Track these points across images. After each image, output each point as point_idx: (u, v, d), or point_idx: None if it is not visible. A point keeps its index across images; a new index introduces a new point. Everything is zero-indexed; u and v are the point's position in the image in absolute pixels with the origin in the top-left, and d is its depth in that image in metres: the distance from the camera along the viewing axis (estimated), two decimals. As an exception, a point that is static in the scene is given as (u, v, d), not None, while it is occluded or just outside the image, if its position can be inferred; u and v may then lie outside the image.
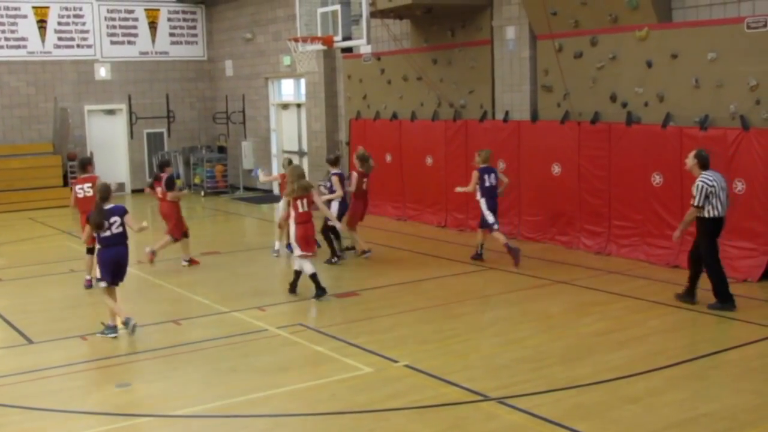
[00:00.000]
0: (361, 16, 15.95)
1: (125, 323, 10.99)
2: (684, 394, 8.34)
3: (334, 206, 15.08)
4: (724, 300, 11.39)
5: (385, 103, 20.54)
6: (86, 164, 14.57)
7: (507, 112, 17.31)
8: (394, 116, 20.19)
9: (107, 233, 10.95)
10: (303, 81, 24.27)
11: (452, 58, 18.58)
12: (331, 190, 15.25)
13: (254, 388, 8.92)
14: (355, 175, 15.70)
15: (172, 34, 28.48)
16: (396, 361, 9.57)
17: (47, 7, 26.29)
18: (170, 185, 15.35)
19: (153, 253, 15.22)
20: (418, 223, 19.30)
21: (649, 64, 14.48)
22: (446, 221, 18.67)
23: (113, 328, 10.98)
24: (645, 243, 14.54)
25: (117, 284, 11.29)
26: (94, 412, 8.39)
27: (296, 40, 17.02)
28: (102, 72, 27.30)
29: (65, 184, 25.52)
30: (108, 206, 11.07)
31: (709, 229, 11.40)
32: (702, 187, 11.19)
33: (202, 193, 26.37)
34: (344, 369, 9.42)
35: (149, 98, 27.93)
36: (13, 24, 25.85)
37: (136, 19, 27.79)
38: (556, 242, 16.04)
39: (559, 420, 7.68)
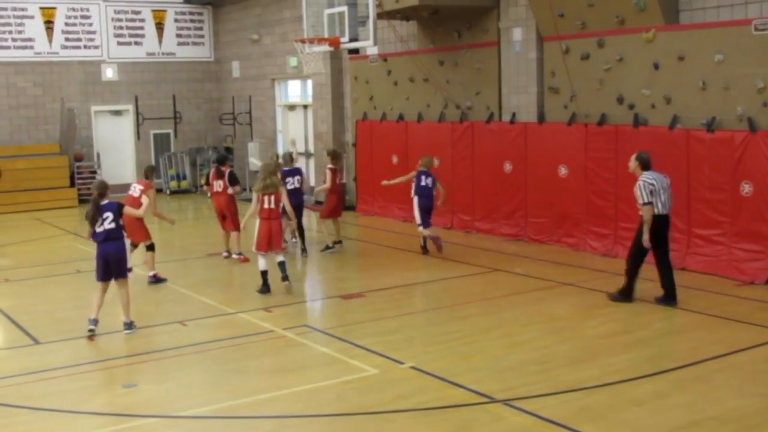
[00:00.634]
0: (367, 17, 15.95)
1: (91, 321, 11.06)
2: (690, 397, 8.32)
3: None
4: (626, 294, 12.01)
5: (392, 104, 20.54)
6: (148, 172, 15.11)
7: (514, 114, 17.29)
8: (401, 118, 20.19)
9: (100, 229, 11.05)
10: (309, 82, 24.29)
11: (459, 60, 18.57)
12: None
13: (260, 389, 8.93)
14: (328, 171, 16.50)
15: (179, 35, 28.52)
16: (402, 363, 9.57)
17: (54, 8, 26.35)
18: (234, 180, 15.96)
19: (240, 255, 15.69)
20: (425, 224, 19.28)
21: (656, 66, 14.46)
22: (452, 223, 18.66)
23: (93, 321, 11.08)
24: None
25: (114, 279, 11.26)
26: (100, 412, 8.40)
27: (303, 41, 17.02)
28: (109, 73, 27.35)
29: (72, 184, 25.60)
30: (103, 202, 11.13)
31: (652, 226, 11.75)
32: (644, 185, 11.67)
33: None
34: (350, 370, 9.42)
35: (156, 99, 27.96)
36: (20, 25, 25.91)
37: (143, 20, 27.84)
38: (563, 244, 16.02)
39: (565, 422, 7.67)
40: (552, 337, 10.56)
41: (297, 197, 15.77)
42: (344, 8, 16.18)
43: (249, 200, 15.01)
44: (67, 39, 26.62)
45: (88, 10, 26.91)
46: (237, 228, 15.60)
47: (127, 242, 11.81)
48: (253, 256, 15.55)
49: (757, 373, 9.08)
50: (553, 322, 11.34)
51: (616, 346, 10.09)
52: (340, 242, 16.80)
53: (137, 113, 27.22)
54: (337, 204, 16.63)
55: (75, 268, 15.67)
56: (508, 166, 17.16)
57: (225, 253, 15.96)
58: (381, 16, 17.48)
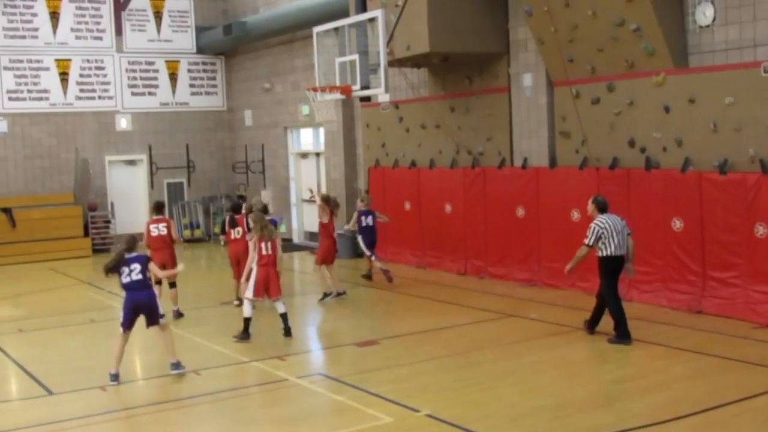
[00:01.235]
0: (378, 65, 16.05)
1: (111, 376, 11.12)
2: (709, 442, 8.23)
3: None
4: (622, 335, 12.12)
5: (404, 150, 20.60)
6: (161, 207, 15.90)
7: (525, 159, 17.33)
8: (413, 164, 20.24)
9: (127, 279, 11.24)
10: (322, 130, 24.42)
11: (470, 106, 18.65)
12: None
13: (274, 438, 8.88)
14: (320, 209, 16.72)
15: (192, 85, 28.79)
16: (417, 411, 9.50)
17: (69, 60, 26.66)
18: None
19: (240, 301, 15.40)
20: (438, 270, 19.25)
21: (667, 109, 14.48)
22: (466, 268, 18.62)
23: (177, 364, 11.41)
24: (666, 288, 14.44)
25: (149, 326, 11.60)
26: (113, 463, 8.36)
27: (315, 89, 17.13)
28: (123, 123, 27.59)
29: (86, 234, 25.68)
30: (131, 255, 11.34)
31: (606, 267, 12.32)
32: (594, 228, 12.24)
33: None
34: (365, 419, 9.36)
35: (169, 148, 28.14)
36: (35, 76, 26.20)
37: (156, 71, 28.12)
38: (577, 288, 15.94)
39: (582, 469, 7.59)
40: (567, 383, 10.48)
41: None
42: (355, 56, 16.30)
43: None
44: (81, 90, 26.90)
45: (102, 61, 27.21)
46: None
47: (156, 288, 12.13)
48: (224, 308, 15.66)
49: (776, 417, 8.99)
50: (569, 367, 11.26)
51: (633, 391, 10.01)
52: (343, 292, 16.57)
53: (151, 162, 27.38)
54: (328, 248, 16.52)
55: (89, 318, 15.68)
56: (520, 211, 17.15)
57: (237, 302, 15.94)
58: (392, 63, 17.59)
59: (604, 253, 12.26)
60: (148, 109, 28.02)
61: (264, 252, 13.22)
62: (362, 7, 18.60)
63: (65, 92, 26.65)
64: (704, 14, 14.04)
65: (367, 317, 15.23)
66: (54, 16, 26.46)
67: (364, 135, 22.18)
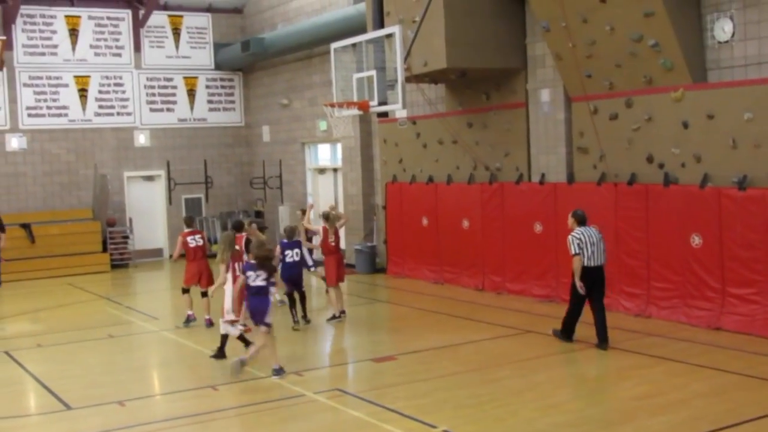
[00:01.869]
0: (396, 81, 16.07)
1: (241, 360, 12.01)
2: (729, 460, 8.17)
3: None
4: (566, 333, 13.29)
5: (421, 166, 20.61)
6: (192, 220, 16.91)
7: (543, 175, 17.30)
8: (430, 180, 20.24)
9: (253, 283, 11.97)
10: (339, 145, 24.46)
11: (487, 121, 18.65)
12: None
13: (291, 454, 8.87)
14: (320, 230, 16.29)
15: (210, 101, 28.91)
16: (434, 427, 9.47)
17: (88, 77, 26.82)
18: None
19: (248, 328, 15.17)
20: (456, 286, 19.22)
21: (686, 125, 14.44)
22: (483, 284, 18.58)
23: (279, 370, 11.90)
24: (685, 305, 14.37)
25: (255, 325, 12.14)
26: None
27: (332, 105, 17.17)
28: (141, 139, 27.72)
29: (104, 249, 25.78)
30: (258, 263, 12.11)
31: (583, 275, 12.91)
32: (572, 239, 12.93)
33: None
34: (382, 435, 9.34)
35: (187, 164, 28.25)
36: (55, 93, 26.38)
37: (175, 87, 28.27)
38: (595, 304, 15.89)
39: (600, 487, 7.55)
40: (585, 400, 10.43)
41: (295, 269, 15.87)
42: (373, 72, 16.33)
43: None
44: (100, 106, 27.05)
45: (121, 78, 27.38)
46: None
47: (272, 297, 12.34)
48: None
49: (797, 434, 8.91)
50: (586, 383, 11.21)
51: (651, 408, 9.94)
52: (343, 312, 16.17)
53: (169, 178, 27.48)
54: (333, 267, 16.04)
55: (107, 333, 15.73)
56: (538, 227, 17.12)
57: (242, 326, 15.43)
58: (409, 79, 17.62)
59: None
60: (166, 125, 28.15)
61: (238, 272, 12.99)
62: (380, 24, 18.64)
63: (84, 108, 26.80)
64: (723, 30, 14.01)
65: (385, 333, 15.20)
66: (73, 33, 26.65)
67: (382, 150, 22.21)
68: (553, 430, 9.25)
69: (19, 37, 25.91)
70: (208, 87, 28.86)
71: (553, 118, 17.12)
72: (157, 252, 27.96)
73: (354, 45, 17.13)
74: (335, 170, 25.35)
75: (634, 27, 14.44)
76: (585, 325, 14.32)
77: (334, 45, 17.57)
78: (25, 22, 25.95)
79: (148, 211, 27.80)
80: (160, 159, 27.82)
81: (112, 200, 26.84)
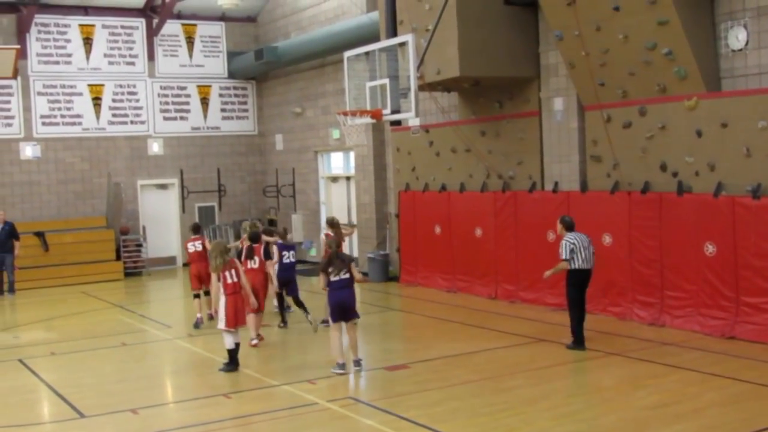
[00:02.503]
0: (409, 89, 16.06)
1: (338, 365, 12.43)
2: (744, 470, 8.12)
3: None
4: (578, 342, 13.56)
5: (434, 175, 20.61)
6: (197, 228, 17.95)
7: (556, 183, 17.28)
8: (443, 188, 20.24)
9: (336, 278, 12.48)
10: (352, 154, 24.49)
11: (500, 130, 18.64)
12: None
13: (304, 462, 8.86)
14: (323, 238, 16.40)
15: (223, 110, 28.99)
16: (447, 436, 9.46)
17: (102, 85, 26.94)
18: (269, 255, 15.98)
19: (260, 337, 15.08)
20: (468, 294, 19.18)
21: (699, 134, 14.41)
22: (496, 293, 18.55)
23: (340, 366, 12.43)
24: (699, 314, 14.31)
25: (346, 321, 12.65)
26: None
27: (345, 113, 17.18)
28: (155, 147, 27.81)
29: (118, 257, 25.85)
30: (340, 254, 12.80)
31: (573, 279, 13.61)
32: (566, 244, 13.51)
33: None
34: (395, 443, 9.33)
35: (201, 173, 28.32)
36: (69, 102, 26.49)
37: (188, 96, 28.36)
38: (608, 313, 15.84)
39: (614, 496, 7.51)
40: (599, 408, 10.40)
41: (291, 271, 16.24)
42: (386, 81, 16.33)
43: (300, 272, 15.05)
44: (114, 115, 27.16)
45: (134, 86, 27.49)
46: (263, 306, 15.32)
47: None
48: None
49: (813, 444, 8.86)
50: (600, 392, 11.17)
51: (665, 417, 9.90)
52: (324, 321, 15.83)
53: (182, 187, 27.55)
54: None
55: (120, 341, 15.76)
56: (551, 236, 17.08)
57: (255, 341, 14.99)
58: (422, 88, 17.63)
59: (573, 266, 13.53)
60: (179, 134, 28.24)
61: (229, 281, 13.01)
62: (393, 32, 18.66)
63: (98, 117, 26.91)
64: (737, 38, 13.98)
65: (398, 341, 15.20)
66: (87, 41, 26.77)
67: (395, 159, 22.22)
68: (566, 439, 9.23)
69: (34, 46, 26.04)
70: (221, 95, 28.95)
71: (567, 126, 17.10)
72: (171, 260, 28.03)
73: (367, 53, 17.14)
74: (348, 179, 25.37)
75: (648, 35, 14.42)
76: (596, 333, 14.29)
77: (347, 53, 17.59)
78: (39, 31, 26.08)
79: (162, 219, 27.87)
80: (173, 167, 27.90)
81: (126, 208, 26.93)
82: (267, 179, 29.04)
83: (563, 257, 13.51)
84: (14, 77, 25.03)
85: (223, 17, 28.80)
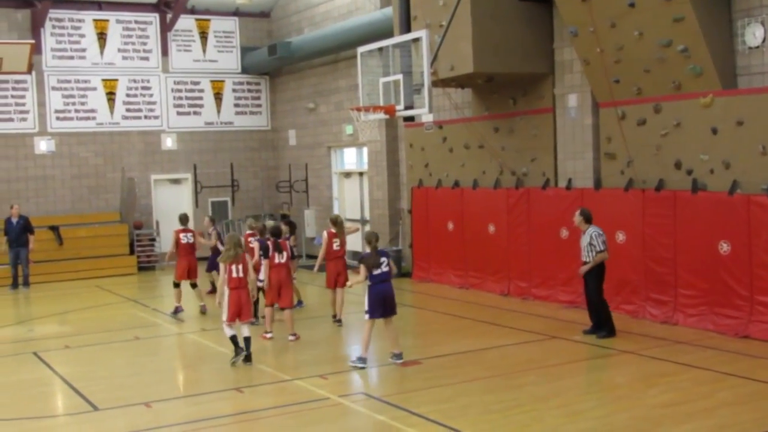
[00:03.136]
0: (422, 85, 16.06)
1: (359, 360, 12.57)
2: (757, 469, 8.09)
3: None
4: (611, 330, 13.95)
5: (447, 171, 20.59)
6: (186, 219, 18.76)
7: (570, 180, 17.24)
8: (456, 184, 20.22)
9: (377, 271, 12.63)
10: (365, 150, 24.49)
11: (514, 126, 18.61)
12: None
13: (316, 457, 8.87)
14: (325, 234, 16.30)
15: (236, 105, 29.03)
16: (459, 431, 9.46)
17: (116, 80, 27.00)
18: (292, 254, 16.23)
19: (296, 336, 14.98)
20: (481, 291, 19.17)
21: (714, 131, 14.34)
22: (509, 289, 18.52)
23: (361, 360, 12.57)
24: (713, 312, 14.26)
25: (386, 317, 12.83)
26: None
27: (358, 109, 17.18)
28: (168, 142, 27.86)
29: (131, 252, 25.94)
30: (379, 250, 12.89)
31: (598, 271, 14.01)
32: (599, 236, 13.87)
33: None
34: (406, 439, 9.33)
35: (214, 167, 28.37)
36: (83, 96, 26.56)
37: (201, 91, 28.40)
38: (621, 311, 15.79)
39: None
40: (611, 406, 10.38)
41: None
42: (399, 77, 16.33)
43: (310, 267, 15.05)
44: (128, 110, 27.22)
45: (148, 81, 27.54)
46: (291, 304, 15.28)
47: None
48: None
49: (826, 444, 8.82)
50: (612, 390, 11.15)
51: (678, 416, 9.87)
52: (339, 320, 16.11)
53: (195, 181, 27.61)
54: (333, 272, 16.00)
55: (134, 335, 15.81)
56: (564, 233, 17.05)
57: (269, 334, 15.07)
58: (436, 84, 17.62)
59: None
60: (193, 129, 28.29)
61: (234, 275, 13.01)
62: (406, 28, 18.67)
63: (112, 112, 26.98)
64: (754, 35, 13.91)
65: (410, 337, 15.19)
66: (101, 36, 26.83)
67: (408, 155, 22.20)
68: (578, 436, 9.21)
69: (48, 41, 26.11)
70: (234, 91, 28.98)
71: (581, 123, 17.06)
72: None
73: (380, 49, 17.14)
74: (361, 174, 25.37)
75: (663, 32, 14.36)
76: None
77: (360, 49, 17.59)
78: (53, 26, 26.15)
79: (175, 214, 27.59)
80: (186, 162, 27.95)
81: (139, 203, 27.01)
82: (280, 174, 29.07)
83: (600, 249, 13.80)
84: (29, 72, 25.14)
85: (236, 12, 28.83)
